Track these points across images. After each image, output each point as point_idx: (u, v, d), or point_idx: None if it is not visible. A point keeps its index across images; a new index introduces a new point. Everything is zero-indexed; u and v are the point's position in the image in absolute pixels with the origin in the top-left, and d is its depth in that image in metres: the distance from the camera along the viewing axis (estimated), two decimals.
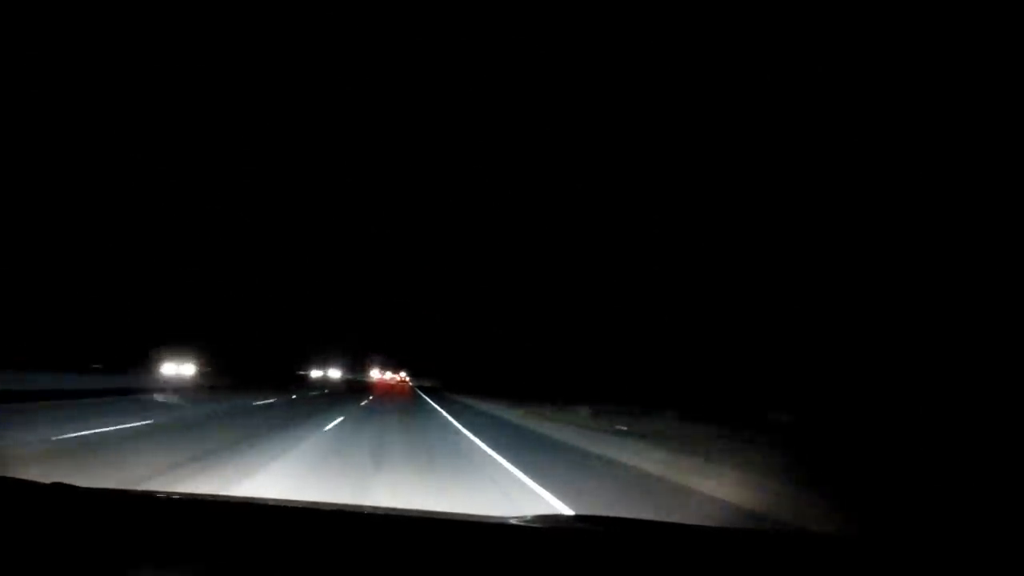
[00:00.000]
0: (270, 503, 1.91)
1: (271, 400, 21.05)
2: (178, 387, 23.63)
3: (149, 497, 1.86)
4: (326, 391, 35.57)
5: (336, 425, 12.87)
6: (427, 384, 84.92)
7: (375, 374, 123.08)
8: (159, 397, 18.13)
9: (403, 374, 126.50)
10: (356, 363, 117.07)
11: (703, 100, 32.64)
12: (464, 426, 14.74)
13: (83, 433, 8.64)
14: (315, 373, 79.28)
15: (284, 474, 6.37)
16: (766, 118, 26.29)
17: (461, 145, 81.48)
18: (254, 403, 18.75)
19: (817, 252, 21.00)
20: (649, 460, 8.60)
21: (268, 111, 76.50)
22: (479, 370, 60.84)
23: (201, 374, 33.89)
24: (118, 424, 10.11)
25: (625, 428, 13.45)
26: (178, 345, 33.09)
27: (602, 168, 45.12)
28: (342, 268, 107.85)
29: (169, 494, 1.88)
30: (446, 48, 64.10)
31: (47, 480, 1.64)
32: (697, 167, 31.62)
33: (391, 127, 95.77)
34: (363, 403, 23.54)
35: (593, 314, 38.39)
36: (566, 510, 5.33)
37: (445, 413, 20.17)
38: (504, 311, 59.80)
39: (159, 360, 31.68)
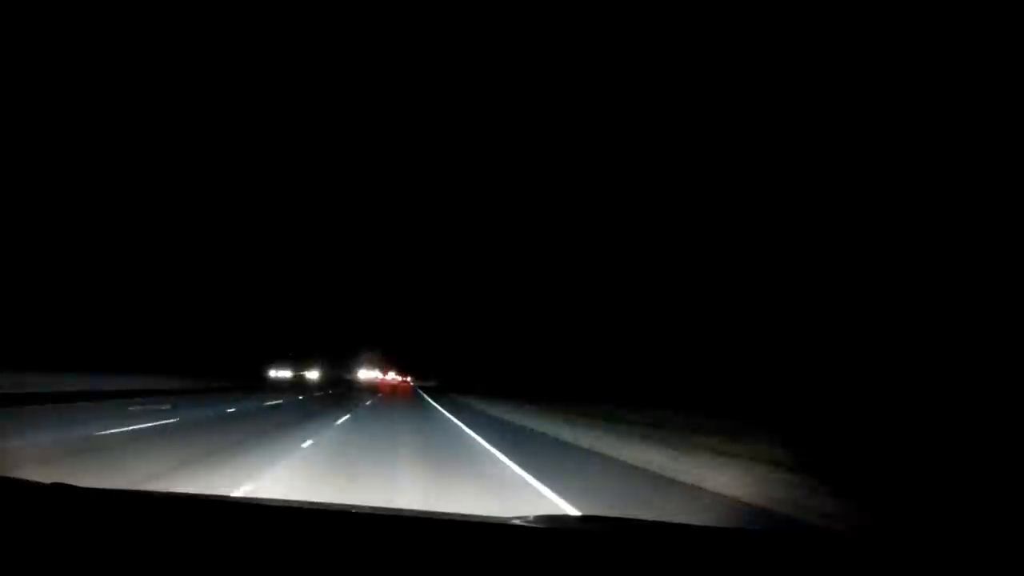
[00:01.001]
0: (270, 503, 1.91)
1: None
2: None
3: (149, 497, 1.87)
4: (230, 410, 16.44)
5: None
6: (431, 384, 79.17)
7: (366, 373, 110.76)
8: None
9: (392, 374, 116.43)
10: (350, 360, 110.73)
11: (702, 100, 32.59)
12: None
13: None
14: (282, 373, 62.17)
15: None
16: (768, 119, 26.20)
17: (461, 141, 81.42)
18: None
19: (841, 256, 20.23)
20: None
21: (264, 107, 76.68)
22: (480, 368, 60.31)
23: None
24: None
25: None
26: None
27: (597, 166, 45.04)
28: (339, 264, 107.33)
29: (169, 494, 1.89)
30: (445, 48, 64.15)
31: None
32: (696, 167, 31.55)
33: (391, 123, 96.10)
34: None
35: (596, 310, 38.21)
36: None
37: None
38: (504, 309, 59.71)
39: None
